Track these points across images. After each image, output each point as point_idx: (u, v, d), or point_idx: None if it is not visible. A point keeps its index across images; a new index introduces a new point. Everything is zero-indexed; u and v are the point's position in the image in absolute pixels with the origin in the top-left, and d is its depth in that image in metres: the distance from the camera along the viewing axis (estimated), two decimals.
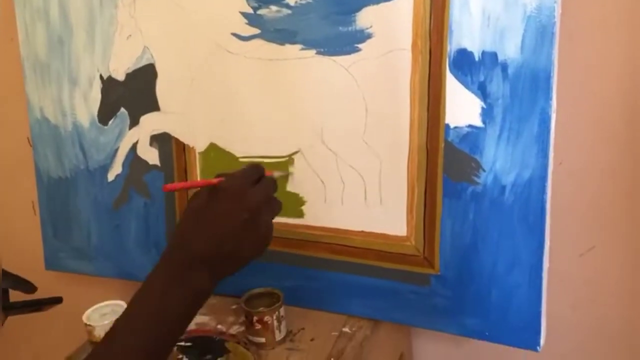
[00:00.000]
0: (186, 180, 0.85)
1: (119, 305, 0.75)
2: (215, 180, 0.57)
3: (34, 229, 1.03)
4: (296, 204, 0.79)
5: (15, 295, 0.66)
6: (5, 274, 0.73)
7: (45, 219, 0.98)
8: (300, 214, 0.79)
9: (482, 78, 0.66)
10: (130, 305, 0.52)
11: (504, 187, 0.67)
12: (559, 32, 0.63)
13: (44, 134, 0.95)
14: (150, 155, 0.87)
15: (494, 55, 0.65)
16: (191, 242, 0.55)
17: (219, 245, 0.55)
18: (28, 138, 1.03)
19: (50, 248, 0.99)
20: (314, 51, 0.74)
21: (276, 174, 0.61)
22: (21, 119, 1.01)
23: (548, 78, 0.63)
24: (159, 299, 0.52)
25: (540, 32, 0.63)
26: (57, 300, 0.74)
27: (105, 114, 0.89)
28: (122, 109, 0.88)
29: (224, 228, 0.55)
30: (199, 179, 0.84)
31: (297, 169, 0.78)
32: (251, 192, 0.57)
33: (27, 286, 0.74)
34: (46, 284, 0.84)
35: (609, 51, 0.67)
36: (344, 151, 0.75)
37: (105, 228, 0.93)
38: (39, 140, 0.96)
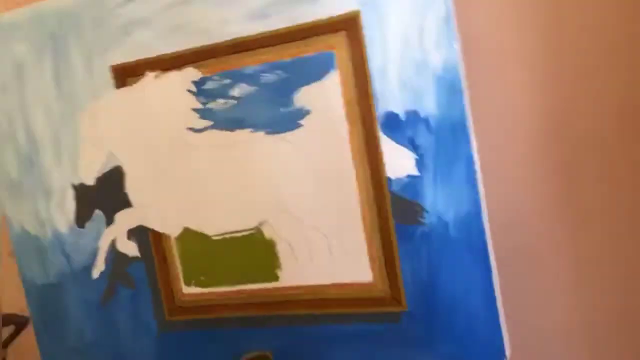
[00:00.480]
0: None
1: None
2: None
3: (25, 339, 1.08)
4: (270, 269, 0.87)
5: None
6: None
7: (39, 326, 1.03)
8: (276, 278, 0.87)
9: (410, 134, 0.76)
10: None
11: (447, 224, 0.76)
12: (467, 85, 0.73)
13: (26, 245, 1.01)
14: (130, 249, 0.94)
15: (416, 113, 0.75)
16: None
17: None
18: (9, 252, 1.10)
19: (46, 353, 1.04)
20: (262, 132, 0.83)
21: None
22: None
23: (464, 125, 0.73)
24: None
25: (450, 89, 0.73)
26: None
27: (82, 218, 0.96)
28: (97, 211, 0.95)
29: None
30: (178, 264, 0.91)
31: (266, 237, 0.86)
32: None
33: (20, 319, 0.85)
34: None
35: (512, 93, 0.78)
36: (305, 215, 0.83)
37: (97, 324, 0.98)
38: (22, 252, 1.02)
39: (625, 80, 0.74)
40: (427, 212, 0.77)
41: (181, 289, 0.92)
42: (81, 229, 0.96)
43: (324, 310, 0.85)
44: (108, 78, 0.90)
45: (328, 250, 0.83)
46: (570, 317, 0.83)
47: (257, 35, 0.80)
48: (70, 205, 0.96)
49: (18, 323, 0.88)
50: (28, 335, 1.08)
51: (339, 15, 0.76)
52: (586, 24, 0.74)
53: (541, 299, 0.83)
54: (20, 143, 0.97)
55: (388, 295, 0.81)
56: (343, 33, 0.77)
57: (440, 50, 0.73)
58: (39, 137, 0.96)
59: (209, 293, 0.91)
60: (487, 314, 0.76)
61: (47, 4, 0.91)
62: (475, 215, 0.74)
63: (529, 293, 0.84)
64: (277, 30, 0.79)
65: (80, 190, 0.95)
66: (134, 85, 0.88)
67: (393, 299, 0.81)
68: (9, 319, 0.84)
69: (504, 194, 0.80)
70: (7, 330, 0.88)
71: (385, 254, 0.80)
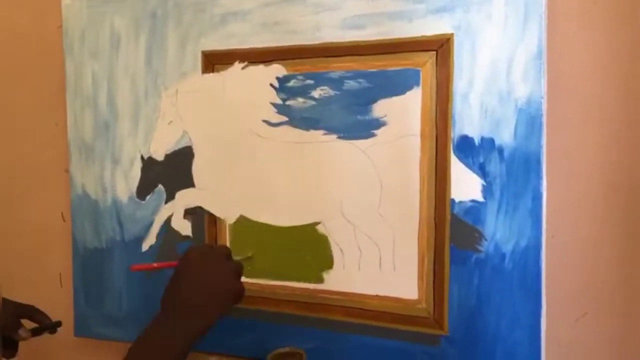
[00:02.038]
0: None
1: None
2: (175, 262, 0.76)
3: (59, 300, 1.10)
4: (317, 270, 0.88)
5: None
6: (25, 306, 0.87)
7: (78, 287, 1.06)
8: (321, 280, 0.87)
9: (481, 160, 0.77)
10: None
11: (504, 255, 0.76)
12: (547, 121, 0.74)
13: (84, 208, 1.04)
14: (183, 227, 0.96)
15: (491, 141, 0.76)
16: (165, 301, 0.74)
17: (188, 299, 0.72)
18: (62, 214, 1.13)
19: (80, 315, 1.06)
20: (335, 136, 0.86)
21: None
22: (56, 197, 1.12)
23: (538, 160, 0.74)
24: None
25: (530, 122, 0.74)
26: (58, 324, 0.96)
27: (144, 190, 0.99)
28: (160, 186, 0.98)
29: (193, 283, 0.73)
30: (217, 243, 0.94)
31: (318, 237, 0.87)
32: (211, 252, 0.77)
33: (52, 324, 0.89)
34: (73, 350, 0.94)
35: (589, 137, 0.78)
36: (361, 222, 0.85)
37: (137, 296, 1.01)
38: (78, 214, 1.05)
39: None
40: (485, 239, 0.77)
41: None
42: (141, 201, 0.99)
43: (362, 320, 0.85)
44: (197, 62, 0.94)
45: (378, 261, 0.84)
46: None
47: (348, 42, 0.83)
48: (136, 176, 1.00)
49: (49, 328, 0.97)
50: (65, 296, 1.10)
51: (432, 36, 0.79)
52: None
53: (586, 349, 0.82)
54: (100, 108, 1.02)
55: (431, 316, 0.81)
56: (433, 53, 0.79)
57: (526, 83, 0.74)
58: (119, 106, 1.00)
59: (253, 284, 0.92)
60: (530, 353, 0.75)
61: None
62: (534, 250, 0.74)
63: (574, 341, 0.82)
64: (369, 41, 0.82)
65: (148, 163, 0.99)
66: (221, 72, 0.92)
67: (435, 321, 0.81)
68: (42, 328, 0.93)
69: (567, 236, 0.80)
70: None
71: (435, 275, 0.80)
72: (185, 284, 0.73)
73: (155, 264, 0.85)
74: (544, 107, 0.74)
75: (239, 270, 0.78)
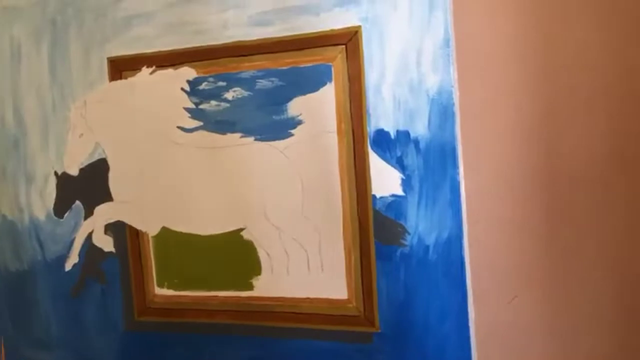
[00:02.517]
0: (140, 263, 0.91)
1: None
2: None
3: None
4: (246, 278, 0.85)
5: None
6: None
7: (3, 311, 1.01)
8: (251, 287, 0.85)
9: (399, 153, 0.76)
10: None
11: (427, 247, 0.76)
12: (460, 109, 0.74)
13: (1, 230, 0.99)
14: (106, 243, 0.92)
15: (407, 134, 0.75)
16: None
17: None
18: None
19: (9, 341, 1.01)
20: (252, 138, 0.83)
21: None
22: None
23: (453, 150, 0.73)
24: None
25: (442, 112, 0.73)
26: None
27: (61, 207, 0.95)
28: (77, 202, 0.94)
29: None
30: (152, 264, 0.90)
31: (244, 244, 0.85)
32: None
33: None
34: None
35: (503, 123, 0.78)
36: (286, 226, 0.82)
37: (64, 317, 0.96)
38: None
39: (615, 125, 0.75)
40: (408, 233, 0.76)
41: (153, 290, 0.90)
42: (59, 219, 0.95)
43: (295, 324, 0.84)
44: (104, 69, 0.89)
45: (306, 264, 0.82)
46: (546, 349, 0.83)
47: (257, 40, 0.81)
48: (51, 193, 0.95)
49: None
50: None
51: (340, 29, 0.77)
52: (582, 63, 0.74)
53: (520, 330, 0.83)
54: (7, 126, 0.96)
55: (361, 314, 0.80)
56: (342, 47, 0.77)
57: (436, 73, 0.73)
58: (27, 122, 0.95)
59: (181, 296, 0.89)
60: (460, 341, 0.75)
61: None
62: (456, 240, 0.74)
63: (507, 324, 0.83)
64: (278, 37, 0.80)
65: (63, 179, 0.94)
66: (129, 79, 0.88)
67: (366, 319, 0.80)
68: None
69: (487, 222, 0.79)
70: None
71: (363, 272, 0.79)
72: None
73: None
74: (456, 95, 0.73)
75: None
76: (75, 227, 0.94)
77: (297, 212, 0.82)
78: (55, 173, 0.94)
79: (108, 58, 0.89)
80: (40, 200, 0.96)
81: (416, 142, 0.75)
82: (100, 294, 0.93)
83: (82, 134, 0.92)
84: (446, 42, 0.72)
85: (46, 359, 0.99)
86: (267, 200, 0.83)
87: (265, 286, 0.85)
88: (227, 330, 0.87)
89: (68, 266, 0.95)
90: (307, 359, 0.83)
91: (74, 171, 0.93)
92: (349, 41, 0.77)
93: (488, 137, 0.77)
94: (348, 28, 0.76)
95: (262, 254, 0.84)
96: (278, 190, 0.82)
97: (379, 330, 0.79)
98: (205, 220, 0.87)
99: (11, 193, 0.98)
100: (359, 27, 0.76)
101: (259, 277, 0.85)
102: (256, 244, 0.84)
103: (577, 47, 0.74)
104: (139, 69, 0.87)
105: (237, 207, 0.85)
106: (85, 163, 0.92)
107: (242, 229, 0.85)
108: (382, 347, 0.79)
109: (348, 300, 0.81)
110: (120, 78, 0.89)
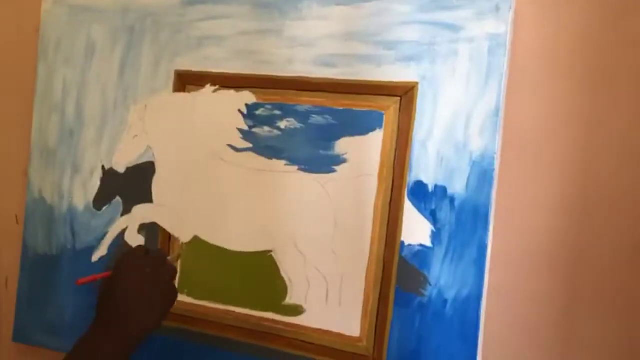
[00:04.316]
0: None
1: None
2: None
3: (1, 303, 1.09)
4: (263, 298, 0.88)
5: None
6: None
7: (23, 292, 1.04)
8: (266, 308, 0.88)
9: (433, 206, 0.79)
10: None
11: (445, 301, 0.78)
12: (498, 176, 0.77)
13: (38, 212, 1.03)
14: (137, 241, 0.96)
15: (444, 189, 0.79)
16: (99, 309, 0.73)
17: (123, 306, 0.72)
18: (16, 216, 1.12)
19: (21, 321, 1.04)
20: (296, 167, 0.87)
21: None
22: (12, 198, 1.10)
23: (487, 213, 0.77)
24: None
25: (482, 176, 0.77)
26: None
27: (101, 200, 0.99)
28: (118, 198, 0.98)
29: (128, 291, 0.73)
30: (178, 267, 0.93)
31: (268, 266, 0.88)
32: (146, 258, 0.77)
33: None
34: (10, 356, 0.91)
35: (539, 194, 0.81)
36: (313, 255, 0.86)
37: (81, 306, 0.99)
38: (31, 218, 1.04)
39: None
40: (429, 284, 0.79)
41: None
42: (97, 211, 0.99)
43: (304, 352, 0.86)
44: (170, 80, 0.95)
45: (325, 296, 0.85)
46: None
47: (319, 79, 0.86)
48: (95, 185, 0.99)
49: None
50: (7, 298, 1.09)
51: (398, 82, 0.82)
52: (623, 151, 0.78)
53: None
54: (67, 115, 1.02)
55: (370, 354, 0.82)
56: (397, 99, 0.82)
57: (482, 138, 0.77)
58: (87, 115, 1.00)
59: (198, 305, 0.92)
60: None
61: (135, 0, 0.98)
62: (475, 300, 0.77)
63: None
64: (339, 79, 0.85)
65: (109, 175, 0.99)
66: (192, 93, 0.94)
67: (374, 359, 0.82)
68: None
69: (507, 287, 0.82)
70: None
71: (379, 314, 0.82)
72: (120, 291, 0.72)
73: (98, 275, 0.83)
74: (497, 162, 0.77)
75: (173, 274, 0.79)
76: (110, 222, 0.98)
77: (326, 245, 0.85)
78: (103, 167, 0.99)
79: (176, 71, 0.95)
80: (83, 191, 1.00)
81: (452, 199, 0.78)
82: None
83: (136, 135, 0.97)
84: (496, 111, 0.77)
85: (53, 344, 1.01)
86: (299, 228, 0.87)
87: (281, 310, 0.87)
88: (235, 347, 0.89)
89: (95, 258, 0.99)
90: None
91: (121, 169, 0.98)
92: (404, 94, 0.82)
93: (521, 207, 0.81)
94: (406, 82, 0.81)
95: (284, 279, 0.87)
96: (311, 220, 0.86)
97: None
98: (235, 237, 0.90)
99: (56, 179, 1.02)
100: (417, 83, 0.81)
101: (277, 300, 0.87)
102: (280, 268, 0.87)
103: (620, 134, 0.78)
104: (203, 86, 0.93)
105: (268, 229, 0.88)
106: (133, 163, 0.97)
107: (269, 251, 0.88)
108: None
109: (359, 339, 0.83)
110: (184, 91, 0.94)
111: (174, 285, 0.79)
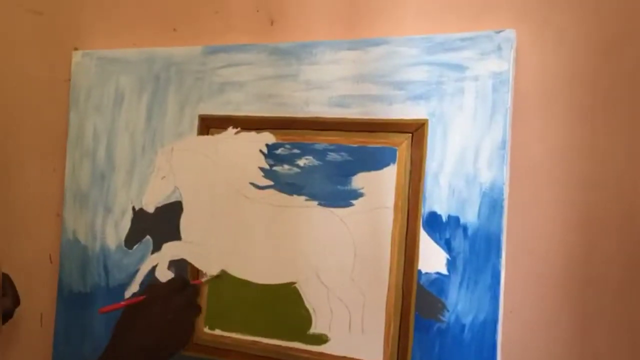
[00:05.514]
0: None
1: None
2: (141, 298, 0.80)
3: (38, 340, 1.14)
4: (288, 328, 0.92)
5: None
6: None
7: (60, 328, 1.09)
8: (293, 338, 0.92)
9: (447, 235, 0.84)
10: None
11: (463, 326, 0.82)
12: (508, 204, 0.82)
13: (73, 252, 1.09)
14: (166, 277, 1.01)
15: (457, 219, 0.83)
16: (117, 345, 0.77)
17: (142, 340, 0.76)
18: (50, 256, 1.18)
19: (59, 355, 1.09)
20: (316, 202, 0.92)
21: (204, 279, 0.89)
22: (46, 239, 1.17)
23: (498, 240, 0.81)
24: None
25: (492, 205, 0.81)
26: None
27: (132, 239, 1.05)
28: (148, 237, 1.04)
29: (149, 326, 0.77)
30: (205, 302, 0.98)
31: (293, 297, 0.93)
32: (175, 298, 0.80)
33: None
34: None
35: (547, 220, 0.86)
36: (335, 286, 0.90)
37: None
38: (66, 258, 1.10)
39: None
40: (447, 310, 0.83)
41: (202, 326, 0.98)
42: (128, 250, 1.05)
43: None
44: (194, 124, 1.01)
45: (348, 324, 0.89)
46: None
47: (334, 118, 0.91)
48: (126, 225, 1.05)
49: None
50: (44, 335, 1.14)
51: (409, 120, 0.87)
52: (627, 177, 0.82)
53: None
54: (98, 160, 1.08)
55: None
56: (409, 135, 0.87)
57: (491, 170, 0.82)
58: (117, 159, 1.07)
59: (226, 337, 0.96)
60: None
61: (160, 50, 1.05)
62: (491, 324, 0.80)
63: None
64: (353, 118, 0.90)
65: (139, 215, 1.04)
66: (215, 135, 1.00)
67: None
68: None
69: (522, 311, 0.85)
70: None
71: (400, 340, 0.86)
72: (137, 321, 0.78)
73: (122, 302, 0.87)
74: (506, 192, 0.81)
75: (190, 302, 0.83)
76: (141, 259, 1.04)
77: (347, 275, 0.89)
78: (133, 208, 1.05)
79: (199, 115, 1.01)
80: (115, 231, 1.06)
81: (465, 228, 0.83)
82: None
83: (164, 177, 1.03)
84: (503, 144, 0.81)
85: None
86: (321, 261, 0.91)
87: (306, 340, 0.91)
88: None
89: (127, 294, 1.04)
90: None
91: (150, 209, 1.03)
92: (415, 131, 0.87)
93: (531, 234, 0.85)
94: (416, 120, 0.87)
95: (308, 309, 0.92)
96: (332, 252, 0.91)
97: None
98: (261, 270, 0.95)
99: (89, 221, 1.09)
100: (426, 120, 0.86)
101: (302, 330, 0.92)
102: (304, 299, 0.92)
103: (624, 160, 0.82)
104: (225, 128, 0.99)
105: (292, 262, 0.93)
106: (162, 203, 1.03)
107: (293, 283, 0.93)
108: None
109: None
110: (207, 134, 1.00)
111: (188, 320, 0.83)
